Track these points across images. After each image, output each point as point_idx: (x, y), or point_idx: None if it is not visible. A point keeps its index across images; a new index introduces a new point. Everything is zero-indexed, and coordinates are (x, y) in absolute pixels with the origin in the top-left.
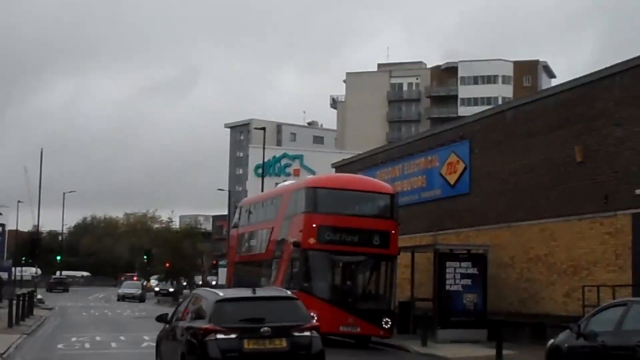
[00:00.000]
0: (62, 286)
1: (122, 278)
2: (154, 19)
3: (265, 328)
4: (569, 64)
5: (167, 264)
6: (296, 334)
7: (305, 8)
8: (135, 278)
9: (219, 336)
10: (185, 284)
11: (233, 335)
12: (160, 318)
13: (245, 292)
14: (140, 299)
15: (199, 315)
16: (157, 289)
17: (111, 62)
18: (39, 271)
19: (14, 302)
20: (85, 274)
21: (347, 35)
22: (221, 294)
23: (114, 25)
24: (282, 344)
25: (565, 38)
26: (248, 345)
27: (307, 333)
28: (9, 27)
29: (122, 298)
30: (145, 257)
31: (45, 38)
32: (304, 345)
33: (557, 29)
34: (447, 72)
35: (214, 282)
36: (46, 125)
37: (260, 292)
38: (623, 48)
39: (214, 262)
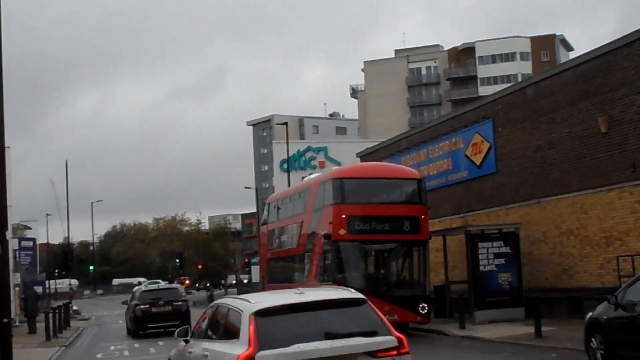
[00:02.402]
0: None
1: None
2: (173, 22)
3: (161, 302)
4: (588, 37)
5: (199, 266)
6: (175, 303)
7: (320, 2)
8: (187, 282)
9: (142, 306)
10: (208, 285)
11: (147, 306)
12: (124, 302)
13: (153, 287)
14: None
15: (135, 298)
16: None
17: (134, 70)
18: (77, 282)
19: (50, 315)
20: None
21: (364, 26)
22: (143, 288)
23: (135, 33)
24: (168, 308)
25: (584, 11)
26: (154, 309)
27: (180, 303)
28: (33, 43)
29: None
30: (177, 260)
31: (69, 51)
32: (178, 309)
33: (576, 3)
34: (465, 53)
35: (245, 281)
36: (73, 138)
37: (161, 286)
38: None
39: (246, 260)
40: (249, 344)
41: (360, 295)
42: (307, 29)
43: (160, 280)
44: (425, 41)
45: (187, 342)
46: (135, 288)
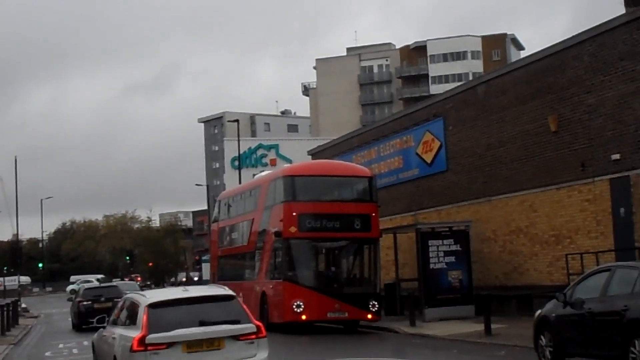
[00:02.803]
0: None
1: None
2: (128, 18)
3: (103, 298)
4: (541, 36)
5: (150, 264)
6: (115, 300)
7: (258, 2)
8: (139, 279)
9: (84, 303)
10: (149, 283)
11: (90, 302)
12: (69, 299)
13: (95, 285)
14: None
15: (79, 295)
16: None
17: (87, 66)
18: (29, 279)
19: None
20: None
21: (317, 24)
22: (87, 286)
23: (89, 28)
24: (109, 304)
25: (537, 10)
26: (95, 305)
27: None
28: None
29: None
30: (127, 258)
31: (21, 47)
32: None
33: (530, 2)
34: (417, 52)
35: (196, 278)
36: (24, 134)
37: (102, 285)
38: (595, 19)
39: (197, 257)
40: (142, 329)
41: (230, 292)
42: (261, 26)
43: (93, 279)
44: (377, 39)
45: (104, 327)
46: (70, 287)
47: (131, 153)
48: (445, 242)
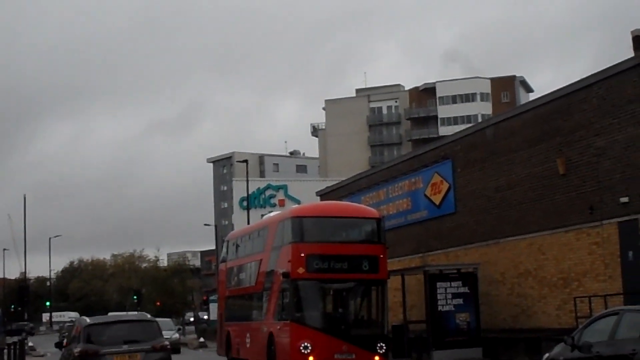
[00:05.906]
0: None
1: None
2: (152, 56)
3: None
4: (560, 82)
5: (158, 303)
6: None
7: (283, 43)
8: None
9: None
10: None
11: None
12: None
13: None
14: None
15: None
16: None
17: (110, 104)
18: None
19: (5, 351)
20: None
21: (328, 66)
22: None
23: (112, 66)
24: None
25: (557, 54)
26: None
27: None
28: (6, 76)
29: None
30: (134, 297)
31: (42, 84)
32: None
33: (549, 46)
34: (425, 93)
35: (205, 317)
36: (41, 172)
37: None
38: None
39: (205, 297)
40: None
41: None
42: (281, 67)
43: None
44: (386, 81)
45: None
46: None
47: (143, 193)
48: (453, 284)
